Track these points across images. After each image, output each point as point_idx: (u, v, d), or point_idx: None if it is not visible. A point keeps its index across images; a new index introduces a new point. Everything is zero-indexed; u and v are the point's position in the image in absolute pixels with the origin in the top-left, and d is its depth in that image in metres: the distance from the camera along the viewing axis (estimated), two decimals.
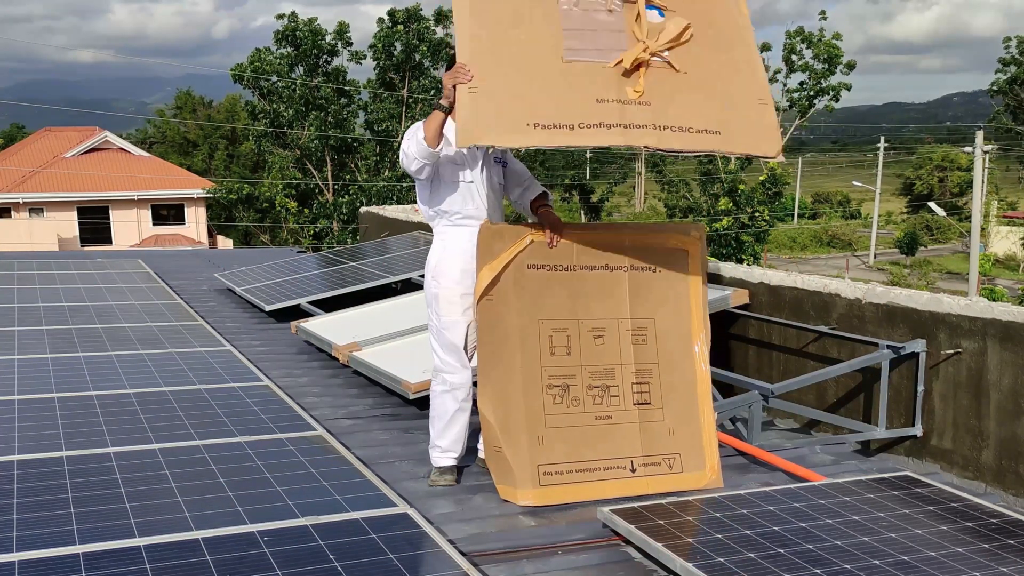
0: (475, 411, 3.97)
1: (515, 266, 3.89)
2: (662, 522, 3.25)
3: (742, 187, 32.41)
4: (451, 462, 3.95)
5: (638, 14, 3.81)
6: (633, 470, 3.87)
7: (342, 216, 27.97)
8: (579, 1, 3.88)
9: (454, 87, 3.65)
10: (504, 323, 3.86)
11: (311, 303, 7.40)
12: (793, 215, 59.25)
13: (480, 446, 4.10)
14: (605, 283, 4.04)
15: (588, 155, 63.75)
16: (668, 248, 4.17)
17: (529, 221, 4.06)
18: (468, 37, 3.72)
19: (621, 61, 3.71)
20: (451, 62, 3.83)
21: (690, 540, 3.11)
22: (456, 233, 3.92)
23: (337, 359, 5.75)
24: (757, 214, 31.93)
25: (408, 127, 4.66)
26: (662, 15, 3.88)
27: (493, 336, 3.83)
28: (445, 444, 3.94)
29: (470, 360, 3.95)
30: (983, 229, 40.66)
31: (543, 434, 3.80)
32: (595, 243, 4.05)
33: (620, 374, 3.99)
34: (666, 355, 4.08)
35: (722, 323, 5.67)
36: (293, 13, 28.87)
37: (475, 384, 3.96)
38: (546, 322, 3.91)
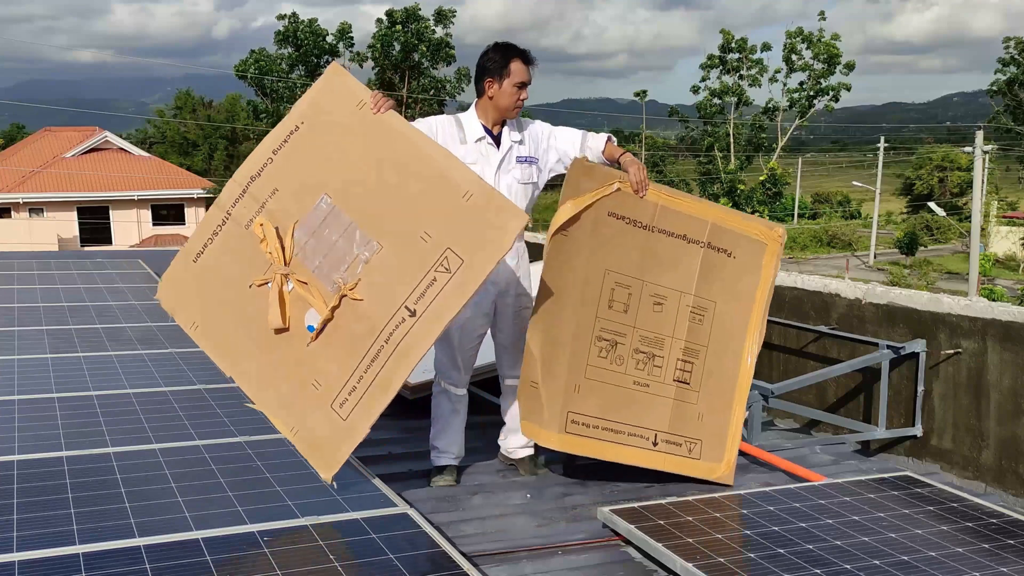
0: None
1: (596, 209, 3.79)
2: (662, 522, 3.25)
3: (742, 187, 32.43)
4: (449, 462, 3.95)
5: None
6: (655, 444, 3.85)
7: None
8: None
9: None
10: (572, 263, 3.77)
11: None
12: (793, 215, 59.28)
13: (500, 442, 4.11)
14: (678, 253, 3.97)
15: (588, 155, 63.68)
16: (748, 237, 4.11)
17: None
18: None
19: None
20: (480, 73, 3.79)
21: (690, 540, 3.11)
22: None
23: None
24: (757, 214, 31.97)
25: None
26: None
27: (557, 273, 3.75)
28: (442, 444, 3.95)
29: (469, 365, 3.93)
30: (983, 229, 40.66)
31: (581, 383, 3.76)
32: (679, 209, 3.96)
33: (669, 347, 3.94)
34: (717, 341, 4.03)
35: None
36: (294, 14, 28.90)
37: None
38: (612, 274, 3.84)
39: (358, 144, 3.62)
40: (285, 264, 3.56)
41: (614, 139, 3.98)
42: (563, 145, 3.93)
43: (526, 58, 3.79)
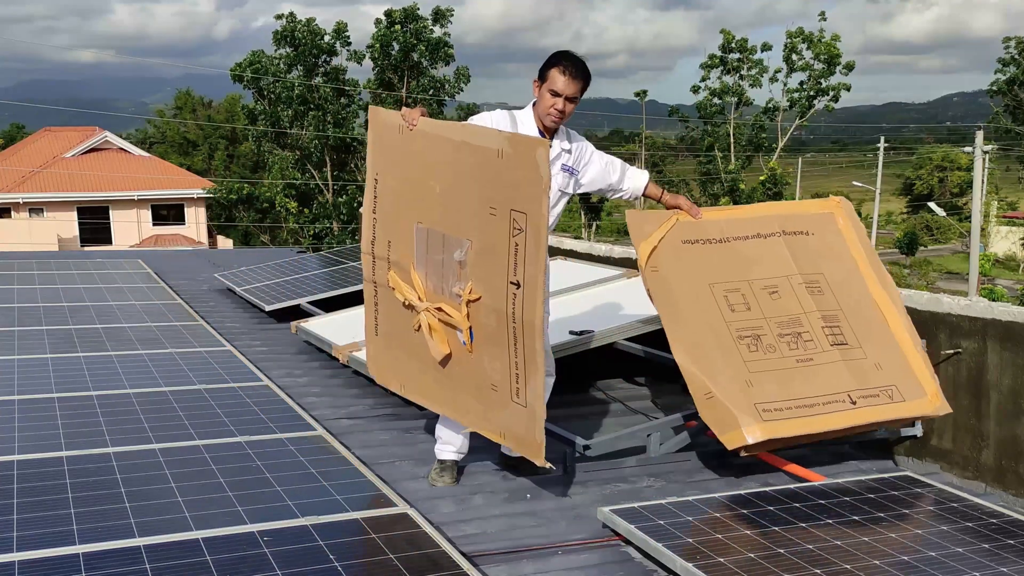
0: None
1: (669, 242, 4.02)
2: (662, 522, 3.25)
3: (742, 187, 32.38)
4: (450, 455, 3.95)
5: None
6: (853, 402, 3.86)
7: (342, 216, 27.97)
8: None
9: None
10: (675, 288, 3.94)
11: (311, 303, 7.40)
12: None
13: (503, 451, 4.12)
14: (763, 248, 4.15)
15: None
16: (814, 214, 4.31)
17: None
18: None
19: None
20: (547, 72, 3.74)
21: (690, 540, 3.11)
22: None
23: (337, 359, 5.76)
24: None
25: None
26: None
27: (668, 300, 3.92)
28: (445, 435, 3.95)
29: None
30: (983, 229, 40.66)
31: (750, 378, 3.80)
32: (740, 217, 4.19)
33: (807, 321, 4.02)
34: (847, 302, 4.14)
35: None
36: (291, 14, 28.85)
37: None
38: (717, 285, 4.00)
39: (414, 164, 3.73)
40: (421, 300, 3.72)
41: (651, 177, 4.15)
42: (599, 169, 4.00)
43: (565, 68, 3.71)
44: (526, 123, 3.80)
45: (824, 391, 3.86)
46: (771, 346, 3.91)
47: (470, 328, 3.56)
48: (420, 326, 3.72)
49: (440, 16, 29.07)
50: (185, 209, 38.81)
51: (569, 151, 3.87)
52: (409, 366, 3.92)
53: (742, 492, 3.62)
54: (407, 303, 3.76)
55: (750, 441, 3.65)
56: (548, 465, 3.48)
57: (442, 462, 3.96)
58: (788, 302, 4.06)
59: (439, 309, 3.65)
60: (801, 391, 3.83)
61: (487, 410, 3.60)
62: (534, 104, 3.82)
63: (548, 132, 3.81)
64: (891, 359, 4.05)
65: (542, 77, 3.76)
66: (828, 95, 33.25)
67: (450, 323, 3.63)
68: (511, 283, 3.38)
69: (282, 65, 28.62)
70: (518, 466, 4.09)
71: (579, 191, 4.02)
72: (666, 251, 4.03)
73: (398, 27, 28.25)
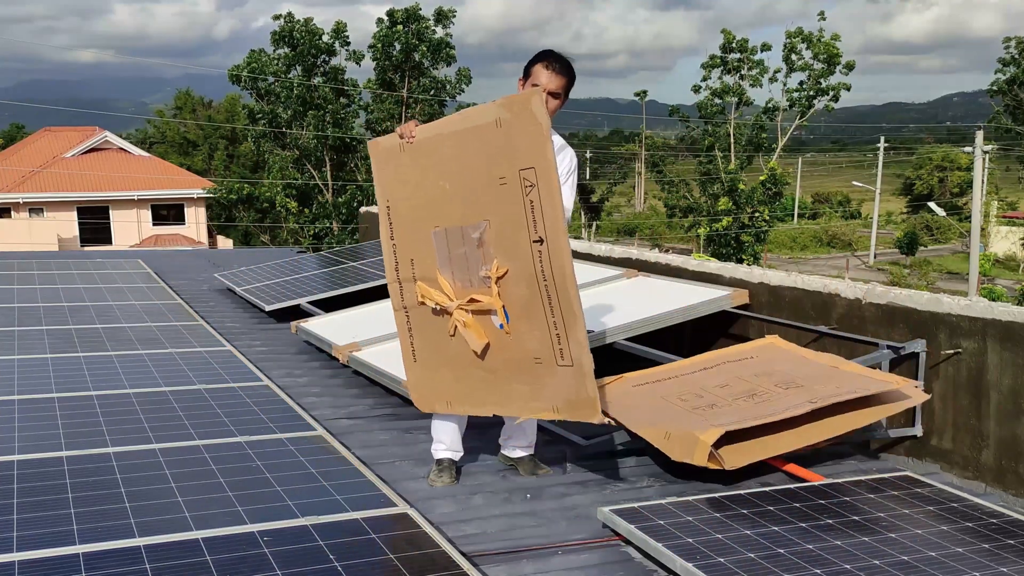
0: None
1: (618, 386, 4.35)
2: (662, 522, 3.25)
3: (742, 187, 32.37)
4: (444, 455, 3.96)
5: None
6: (814, 402, 3.96)
7: (341, 216, 27.98)
8: None
9: None
10: (630, 404, 4.18)
11: (311, 303, 7.40)
12: (793, 215, 59.30)
13: (501, 441, 4.13)
14: (712, 374, 4.46)
15: (588, 155, 63.76)
16: (753, 347, 4.73)
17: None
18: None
19: None
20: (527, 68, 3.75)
21: (690, 540, 3.11)
22: None
23: (337, 359, 5.76)
24: (757, 214, 31.91)
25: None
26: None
27: (625, 413, 4.11)
28: (436, 434, 3.97)
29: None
30: (983, 229, 40.66)
31: (711, 421, 3.90)
32: (682, 364, 4.61)
33: (761, 386, 4.24)
34: (800, 372, 4.37)
35: (722, 324, 5.67)
36: (289, 14, 28.85)
37: None
38: (671, 395, 4.27)
39: (420, 173, 3.77)
40: (451, 300, 3.74)
41: None
42: (567, 206, 3.97)
43: (549, 64, 3.72)
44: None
45: (784, 405, 3.99)
46: (729, 404, 4.08)
47: (503, 307, 3.59)
48: (455, 329, 3.75)
49: (443, 17, 29.07)
50: (185, 209, 38.82)
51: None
52: (451, 380, 3.92)
53: (742, 492, 3.62)
54: (438, 308, 3.78)
55: (711, 441, 3.70)
56: (607, 420, 3.52)
57: (439, 462, 3.96)
58: (743, 385, 4.28)
59: (470, 301, 3.67)
60: (760, 412, 3.96)
61: (535, 389, 3.62)
62: None
63: None
64: (851, 381, 4.19)
65: (526, 74, 3.77)
66: (828, 95, 33.24)
67: (483, 310, 3.65)
68: (534, 242, 3.42)
69: (281, 65, 28.62)
70: (518, 467, 4.09)
71: None
72: (616, 391, 4.28)
73: (400, 27, 28.25)
